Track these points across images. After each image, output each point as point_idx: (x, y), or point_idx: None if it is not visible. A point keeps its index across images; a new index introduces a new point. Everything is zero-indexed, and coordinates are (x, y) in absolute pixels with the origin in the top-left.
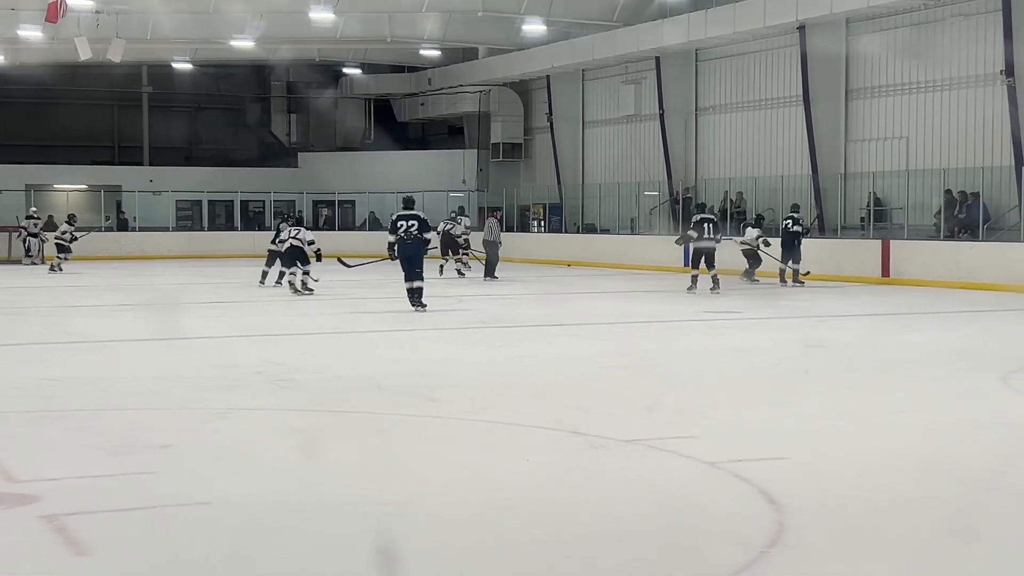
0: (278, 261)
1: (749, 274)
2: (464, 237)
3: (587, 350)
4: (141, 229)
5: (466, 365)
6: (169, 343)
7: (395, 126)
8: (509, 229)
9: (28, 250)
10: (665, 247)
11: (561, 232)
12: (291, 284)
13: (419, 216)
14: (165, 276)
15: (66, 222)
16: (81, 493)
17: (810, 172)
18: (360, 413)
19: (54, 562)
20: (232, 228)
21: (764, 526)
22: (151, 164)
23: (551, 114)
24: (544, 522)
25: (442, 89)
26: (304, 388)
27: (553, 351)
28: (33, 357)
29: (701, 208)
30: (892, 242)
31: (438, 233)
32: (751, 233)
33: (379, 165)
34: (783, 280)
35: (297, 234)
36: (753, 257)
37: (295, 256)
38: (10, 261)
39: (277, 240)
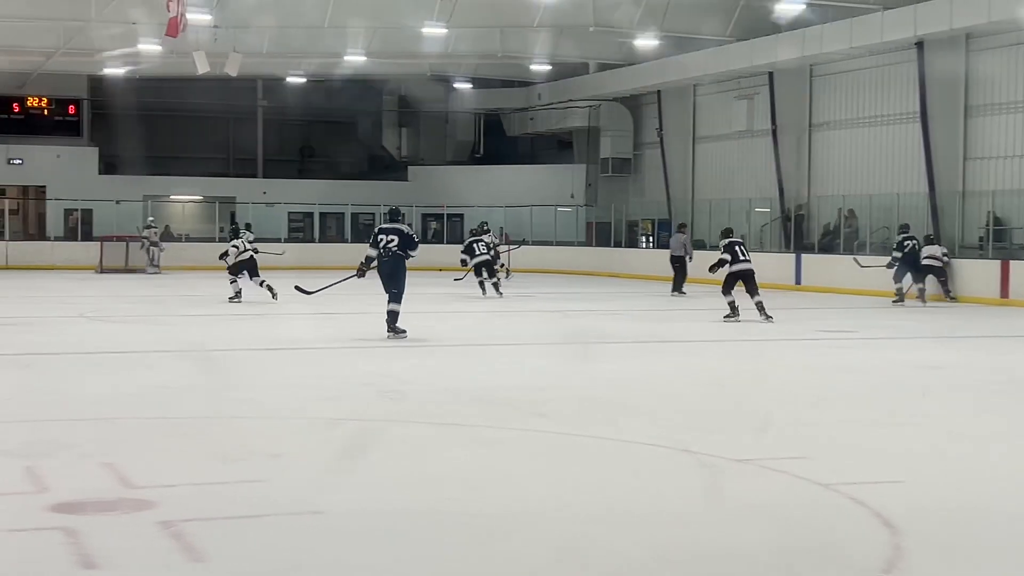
0: (245, 272)
1: (946, 291)
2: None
3: (695, 367)
4: (255, 241)
5: (573, 380)
6: (276, 352)
7: (504, 140)
8: (618, 244)
9: (152, 259)
10: (778, 264)
11: (668, 249)
12: (270, 289)
13: (402, 230)
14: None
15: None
16: (196, 500)
17: (927, 190)
18: (468, 426)
19: (172, 568)
20: (342, 240)
21: (880, 550)
22: (264, 176)
23: (661, 129)
24: (652, 541)
25: (552, 104)
26: (413, 400)
27: (660, 367)
28: (146, 364)
29: (728, 233)
30: (1012, 263)
31: (490, 247)
32: (934, 249)
33: (488, 179)
34: (901, 298)
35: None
36: (938, 273)
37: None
38: (127, 270)
39: (238, 251)
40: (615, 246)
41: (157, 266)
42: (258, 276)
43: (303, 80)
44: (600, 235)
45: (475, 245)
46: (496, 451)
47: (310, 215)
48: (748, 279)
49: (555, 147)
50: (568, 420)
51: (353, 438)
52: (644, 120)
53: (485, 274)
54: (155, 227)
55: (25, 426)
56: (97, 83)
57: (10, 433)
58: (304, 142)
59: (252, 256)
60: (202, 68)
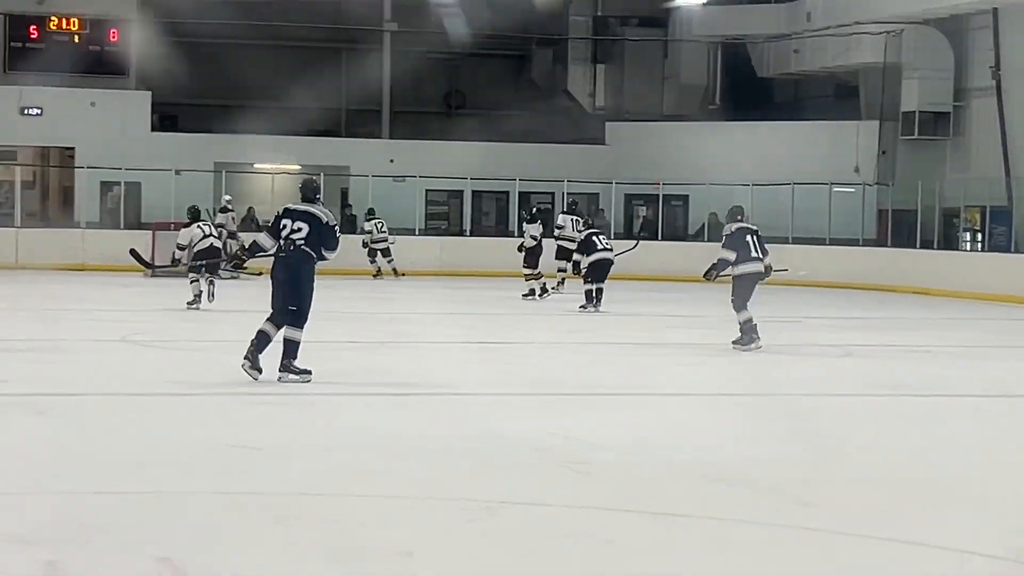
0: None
1: None
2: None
3: None
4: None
5: (860, 453)
6: (404, 399)
7: (754, 84)
8: (926, 245)
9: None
10: None
11: (1009, 252)
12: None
13: (318, 217)
14: (401, 301)
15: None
16: None
17: None
18: (692, 518)
19: None
20: (505, 232)
21: None
22: (391, 136)
23: (998, 68)
24: None
25: (827, 28)
26: (610, 475)
27: (998, 433)
28: (217, 411)
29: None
30: None
31: (534, 239)
32: None
33: (727, 143)
34: None
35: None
36: None
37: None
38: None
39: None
40: (922, 247)
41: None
42: (218, 276)
43: None
44: (899, 230)
45: (596, 238)
46: (738, 558)
47: (458, 195)
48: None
49: (831, 95)
50: (847, 512)
51: (523, 532)
52: (971, 54)
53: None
54: (232, 210)
55: (45, 500)
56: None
57: (24, 511)
58: (450, 86)
59: (213, 245)
60: None
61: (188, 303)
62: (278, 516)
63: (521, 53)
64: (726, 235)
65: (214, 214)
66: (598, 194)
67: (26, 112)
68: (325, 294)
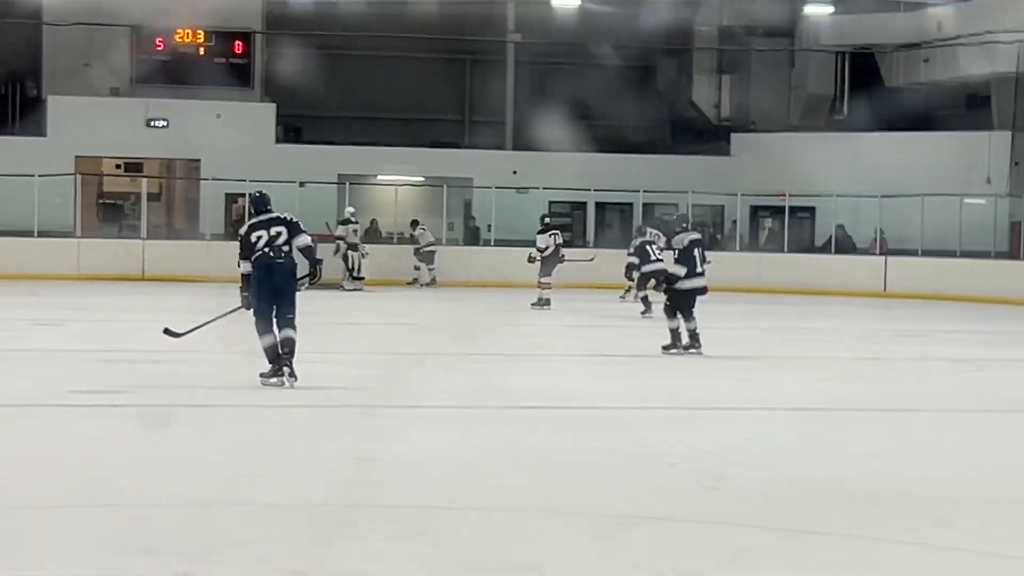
0: None
1: None
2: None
3: None
4: (497, 243)
5: (988, 466)
6: (532, 412)
7: (881, 94)
8: None
9: (351, 270)
10: None
11: None
12: None
13: (284, 217)
14: (527, 314)
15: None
16: None
17: None
18: (829, 536)
19: None
20: (629, 244)
21: None
22: (515, 147)
23: None
24: None
25: (958, 37)
26: (746, 492)
27: None
28: (350, 424)
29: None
30: None
31: (630, 253)
32: None
33: (854, 154)
34: None
35: None
36: None
37: None
38: (322, 284)
39: None
40: None
41: (360, 279)
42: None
43: (575, 5)
44: None
45: (649, 247)
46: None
47: (581, 206)
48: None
49: (961, 105)
50: (990, 534)
51: (656, 548)
52: None
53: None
54: (356, 222)
55: (175, 511)
56: (277, 10)
57: (155, 521)
58: (575, 96)
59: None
60: None
61: None
62: (408, 530)
63: (646, 63)
64: (678, 249)
65: (337, 227)
66: (723, 206)
67: (152, 124)
68: (450, 306)
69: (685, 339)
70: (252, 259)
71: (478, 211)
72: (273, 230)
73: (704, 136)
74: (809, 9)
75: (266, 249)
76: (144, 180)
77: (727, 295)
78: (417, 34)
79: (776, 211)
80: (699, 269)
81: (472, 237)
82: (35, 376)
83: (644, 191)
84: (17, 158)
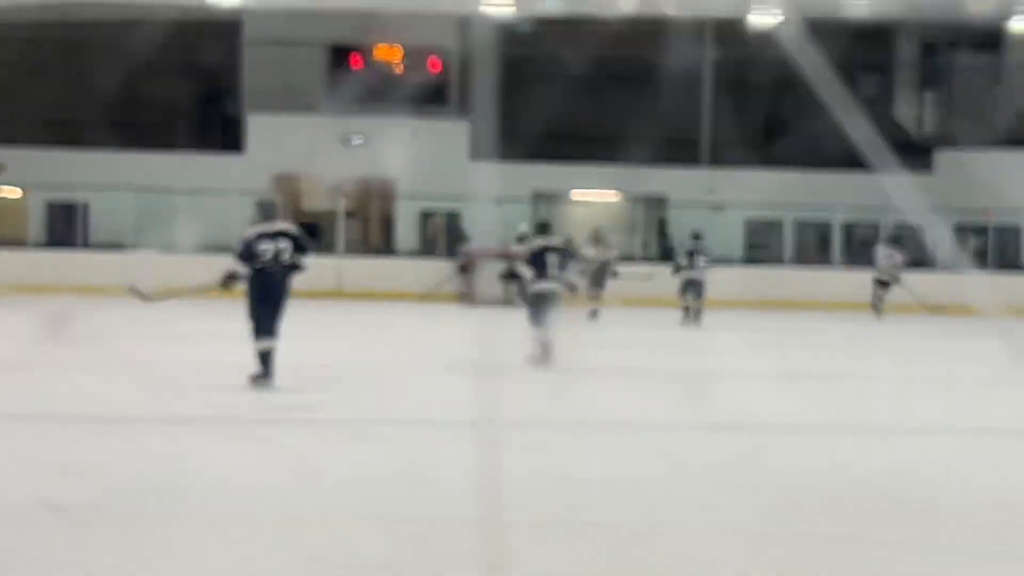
0: None
1: None
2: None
3: None
4: None
5: None
6: (724, 432)
7: None
8: None
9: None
10: None
11: None
12: None
13: (290, 232)
14: (718, 332)
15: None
16: None
17: None
18: None
19: None
20: (826, 262)
21: None
22: (712, 164)
23: None
24: None
25: None
26: (947, 514)
27: None
28: (546, 442)
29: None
30: None
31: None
32: None
33: None
34: None
35: None
36: None
37: None
38: (505, 301)
39: None
40: None
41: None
42: None
43: (775, 21)
44: None
45: (694, 257)
46: None
47: (777, 224)
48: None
49: None
50: None
51: (858, 570)
52: None
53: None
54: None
55: (376, 526)
56: (470, 28)
57: (358, 537)
58: (771, 113)
59: None
60: (627, 3)
61: None
62: (614, 547)
63: (846, 80)
64: (530, 251)
65: (513, 243)
66: (924, 225)
67: (349, 143)
68: (632, 322)
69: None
70: (252, 265)
71: (673, 228)
72: (280, 244)
73: (905, 152)
74: (1018, 23)
75: (269, 261)
76: (342, 199)
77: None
78: (611, 51)
79: (979, 230)
80: (551, 273)
81: (666, 254)
82: (228, 390)
83: (843, 210)
84: (216, 175)
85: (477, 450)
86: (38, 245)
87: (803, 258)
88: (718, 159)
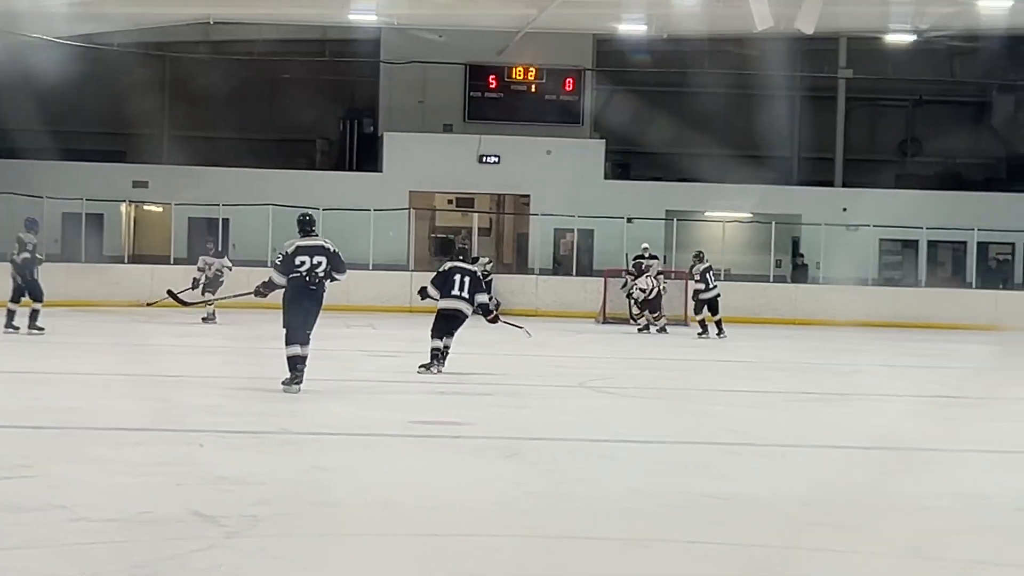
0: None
1: None
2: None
3: None
4: (825, 281)
5: None
6: (864, 453)
7: None
8: None
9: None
10: None
11: None
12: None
13: (328, 248)
14: (850, 352)
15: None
16: None
17: None
18: None
19: None
20: (962, 283)
21: None
22: (845, 184)
23: None
24: None
25: None
26: None
27: None
28: (692, 459)
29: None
30: None
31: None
32: None
33: None
34: None
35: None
36: None
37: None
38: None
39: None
40: None
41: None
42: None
43: (910, 39)
44: None
45: (709, 275)
46: None
47: (913, 244)
48: None
49: None
50: None
51: None
52: None
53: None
54: (654, 257)
55: (521, 544)
56: (607, 47)
57: (503, 550)
58: (906, 133)
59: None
60: (762, 23)
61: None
62: (753, 570)
63: (981, 99)
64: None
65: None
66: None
67: (484, 160)
68: (766, 343)
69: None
70: (288, 276)
71: (806, 248)
72: (316, 259)
73: None
74: None
75: (304, 274)
76: (475, 215)
77: None
78: (745, 70)
79: None
80: (455, 293)
81: (800, 275)
82: (376, 407)
83: (979, 229)
84: (354, 192)
85: (621, 467)
86: (179, 260)
87: (937, 278)
88: (852, 178)
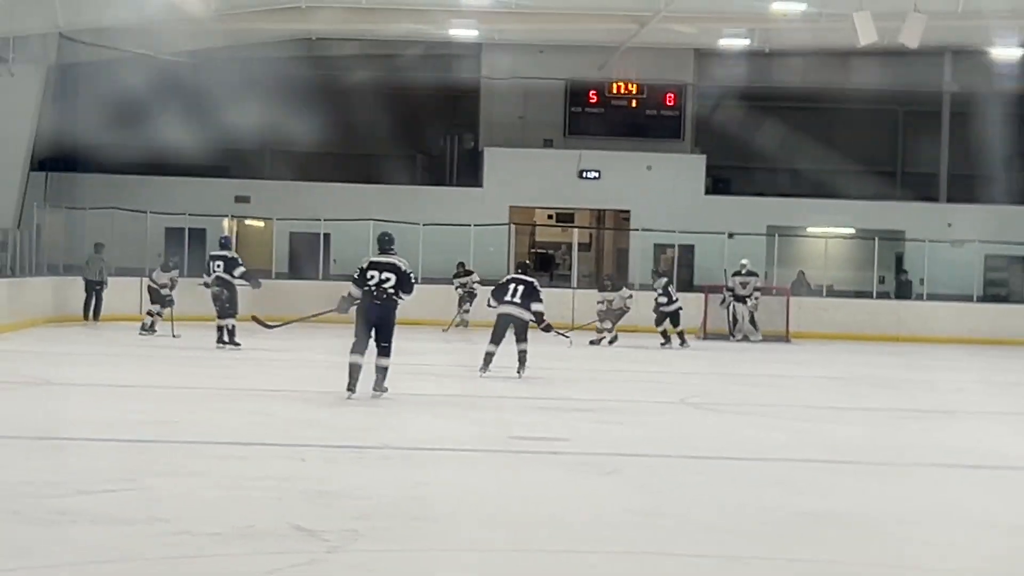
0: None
1: None
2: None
3: None
4: (930, 297)
5: None
6: (970, 472)
7: None
8: None
9: (746, 319)
10: None
11: None
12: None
13: (399, 267)
14: (945, 371)
15: None
16: None
17: None
18: None
19: None
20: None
21: None
22: (949, 200)
23: None
24: None
25: None
26: None
27: None
28: (785, 477)
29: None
30: None
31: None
32: None
33: None
34: None
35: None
36: None
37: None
38: (731, 334)
39: None
40: None
41: (756, 328)
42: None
43: (1017, 53)
44: None
45: (670, 289)
46: None
47: (1018, 260)
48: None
49: None
50: None
51: None
52: None
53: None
54: (752, 273)
55: (619, 559)
56: (708, 62)
57: (598, 566)
58: (1012, 147)
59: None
60: (866, 37)
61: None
62: None
63: None
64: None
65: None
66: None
67: (584, 175)
68: (868, 359)
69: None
70: (362, 290)
71: (909, 264)
72: (384, 275)
73: None
74: None
75: (372, 288)
76: (575, 230)
77: None
78: (849, 86)
79: None
80: (508, 299)
81: (903, 291)
82: (476, 422)
83: None
84: (455, 208)
85: (719, 484)
86: (281, 275)
87: None
88: (957, 193)
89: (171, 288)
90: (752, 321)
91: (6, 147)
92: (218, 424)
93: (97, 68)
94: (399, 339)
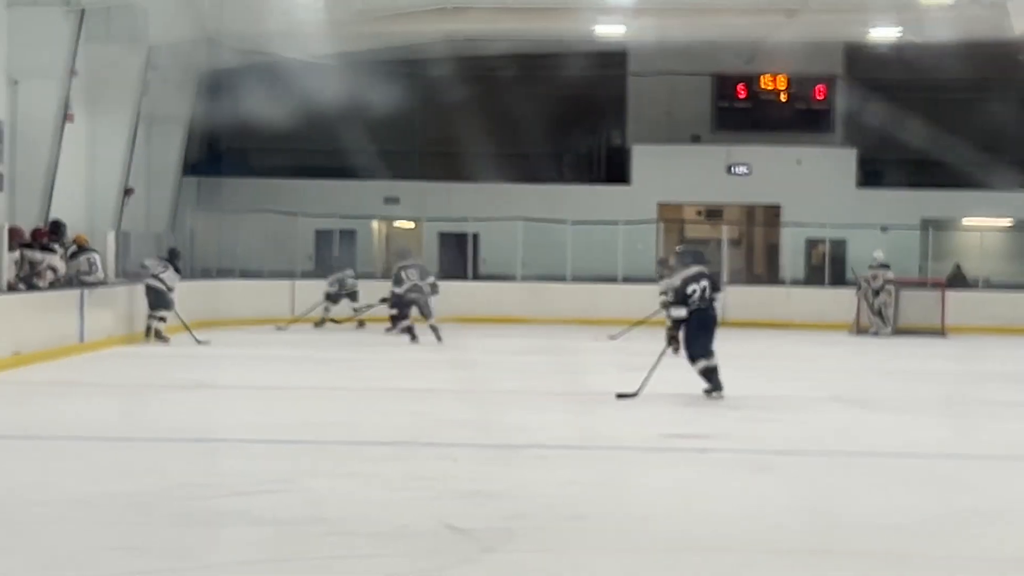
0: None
1: None
2: None
3: None
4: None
5: None
6: None
7: None
8: None
9: (879, 314)
10: None
11: None
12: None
13: (709, 275)
14: None
15: None
16: None
17: None
18: None
19: None
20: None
21: None
22: None
23: None
24: None
25: None
26: None
27: None
28: (954, 475)
29: None
30: None
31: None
32: None
33: None
34: None
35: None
36: None
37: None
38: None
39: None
40: None
41: (884, 322)
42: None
43: None
44: None
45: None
46: None
47: None
48: None
49: None
50: None
51: None
52: None
53: None
54: (884, 266)
55: (781, 558)
56: (857, 53)
57: (758, 564)
58: None
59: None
60: (1022, 26)
61: None
62: None
63: None
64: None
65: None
66: None
67: (733, 171)
68: (1009, 352)
69: None
70: (687, 306)
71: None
72: (702, 283)
73: None
74: None
75: (698, 300)
76: (725, 226)
77: None
78: (1002, 76)
79: None
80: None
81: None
82: (627, 421)
83: None
84: (603, 205)
85: (875, 481)
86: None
87: None
88: None
89: (342, 290)
90: (880, 314)
91: (161, 152)
92: (373, 425)
93: (245, 73)
94: (571, 338)
